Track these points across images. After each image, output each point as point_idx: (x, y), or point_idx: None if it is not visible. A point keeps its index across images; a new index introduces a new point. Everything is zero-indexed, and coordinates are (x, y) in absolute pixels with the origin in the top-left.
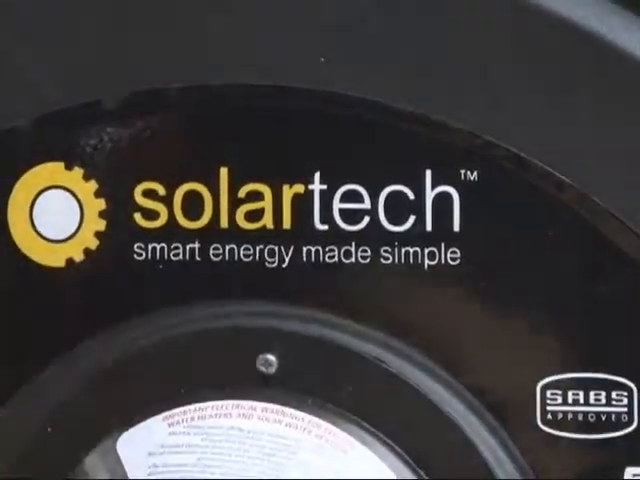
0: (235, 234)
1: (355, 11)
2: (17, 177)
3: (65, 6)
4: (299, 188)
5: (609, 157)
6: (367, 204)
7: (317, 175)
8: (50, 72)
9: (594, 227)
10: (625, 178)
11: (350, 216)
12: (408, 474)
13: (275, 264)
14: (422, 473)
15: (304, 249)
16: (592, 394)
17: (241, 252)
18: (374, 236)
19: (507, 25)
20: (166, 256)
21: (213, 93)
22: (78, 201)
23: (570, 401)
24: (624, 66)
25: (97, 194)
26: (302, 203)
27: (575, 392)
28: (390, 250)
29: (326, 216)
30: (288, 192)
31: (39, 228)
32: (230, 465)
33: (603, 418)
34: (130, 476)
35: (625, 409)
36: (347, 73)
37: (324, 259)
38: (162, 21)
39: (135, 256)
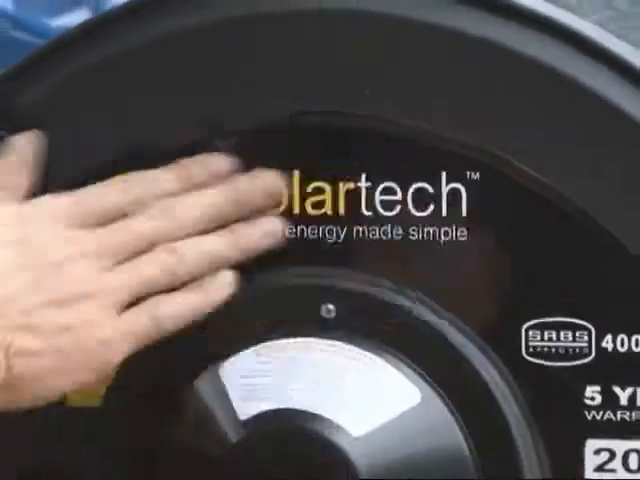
0: (304, 218)
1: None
2: None
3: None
4: (351, 185)
5: (577, 160)
6: (399, 196)
7: (363, 176)
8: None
9: (563, 212)
10: (582, 170)
11: (387, 205)
12: (430, 392)
13: (333, 240)
14: (443, 393)
15: (354, 229)
16: (562, 333)
17: (309, 231)
18: (404, 219)
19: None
20: None
21: (293, 119)
22: None
23: (546, 338)
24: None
25: None
26: (353, 195)
27: (550, 332)
28: (416, 230)
29: (370, 205)
30: (343, 187)
31: None
32: (298, 384)
33: (570, 351)
34: (230, 393)
35: (586, 344)
36: (391, 103)
37: (369, 236)
38: (254, 67)
39: None
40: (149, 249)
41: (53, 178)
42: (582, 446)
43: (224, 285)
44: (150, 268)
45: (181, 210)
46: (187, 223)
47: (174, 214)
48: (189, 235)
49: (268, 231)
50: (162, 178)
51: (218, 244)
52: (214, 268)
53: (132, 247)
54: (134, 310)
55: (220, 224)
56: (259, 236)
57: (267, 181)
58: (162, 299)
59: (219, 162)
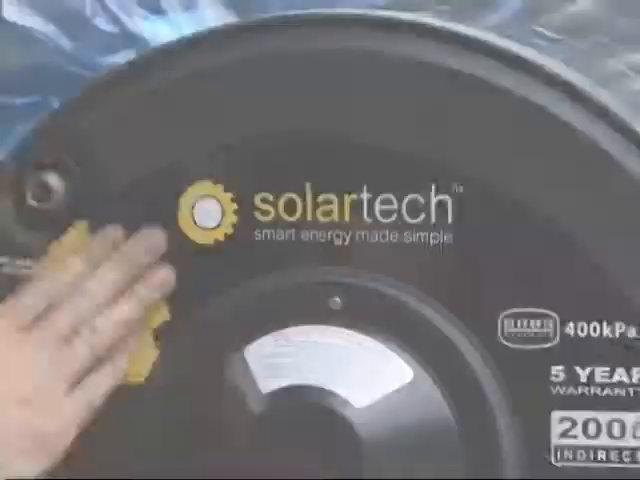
0: (316, 224)
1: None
2: (184, 189)
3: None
4: (354, 196)
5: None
6: (396, 206)
7: (365, 188)
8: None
9: (535, 224)
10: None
11: (385, 213)
12: (421, 371)
13: (340, 242)
14: (432, 372)
15: (357, 233)
16: (532, 321)
17: (319, 235)
18: (400, 226)
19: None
20: (274, 238)
21: (307, 140)
22: (220, 204)
23: (519, 325)
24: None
25: (232, 200)
26: (356, 205)
27: (522, 320)
28: (410, 234)
29: (371, 213)
30: (348, 198)
31: (197, 220)
32: (311, 363)
33: (538, 335)
34: (254, 372)
35: (551, 330)
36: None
37: (370, 239)
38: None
39: (255, 238)
40: (78, 331)
41: (104, 197)
42: (548, 416)
43: (120, 366)
44: (83, 350)
45: (91, 289)
46: (99, 299)
47: (88, 294)
48: (102, 308)
49: (164, 281)
50: (71, 265)
51: (125, 310)
52: (126, 333)
53: (67, 334)
54: (73, 397)
55: (123, 289)
56: (156, 290)
57: (150, 240)
58: (91, 381)
59: (112, 232)
